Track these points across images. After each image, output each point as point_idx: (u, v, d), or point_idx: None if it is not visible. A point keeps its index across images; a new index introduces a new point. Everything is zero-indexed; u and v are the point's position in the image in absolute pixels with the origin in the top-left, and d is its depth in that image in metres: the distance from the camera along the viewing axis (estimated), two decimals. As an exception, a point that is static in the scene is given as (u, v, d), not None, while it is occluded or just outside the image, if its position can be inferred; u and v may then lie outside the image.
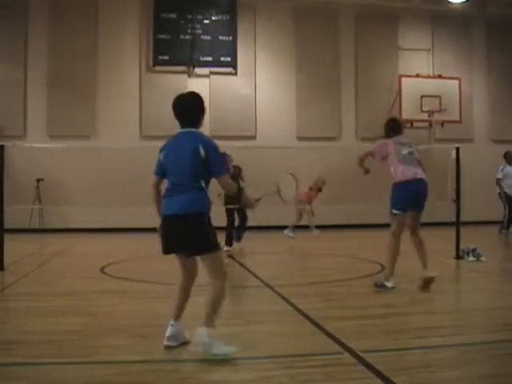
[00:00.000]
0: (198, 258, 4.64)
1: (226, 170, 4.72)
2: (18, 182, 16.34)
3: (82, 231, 16.71)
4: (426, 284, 6.77)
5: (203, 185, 4.55)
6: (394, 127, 7.69)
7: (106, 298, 6.93)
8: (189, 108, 4.70)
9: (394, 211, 7.11)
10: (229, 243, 11.80)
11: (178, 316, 4.71)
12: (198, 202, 4.51)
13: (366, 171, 8.00)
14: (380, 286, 7.06)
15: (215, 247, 4.54)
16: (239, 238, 12.41)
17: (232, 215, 12.06)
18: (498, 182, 15.76)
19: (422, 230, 6.99)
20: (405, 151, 7.23)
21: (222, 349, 4.35)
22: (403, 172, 7.05)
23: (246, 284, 7.97)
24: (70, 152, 16.52)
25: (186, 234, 4.47)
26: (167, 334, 4.64)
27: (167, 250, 4.65)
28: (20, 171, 16.47)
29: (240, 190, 5.00)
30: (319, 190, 15.55)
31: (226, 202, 11.56)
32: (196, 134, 4.64)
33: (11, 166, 15.67)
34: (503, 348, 4.59)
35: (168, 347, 4.61)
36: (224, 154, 11.49)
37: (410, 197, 7.01)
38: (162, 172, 4.74)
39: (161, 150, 4.80)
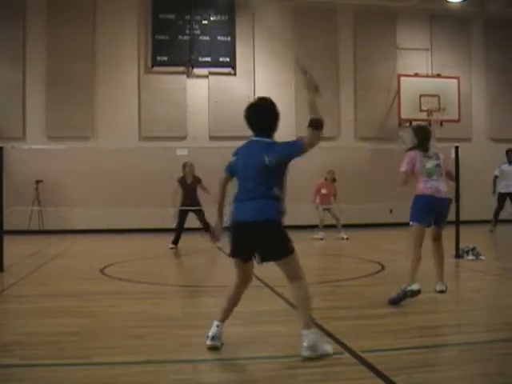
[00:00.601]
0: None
1: (300, 147, 4.72)
2: (17, 184, 16.34)
3: (82, 232, 16.72)
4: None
5: (276, 192, 4.50)
6: (427, 136, 7.03)
7: (105, 299, 6.92)
8: (258, 115, 4.79)
9: (411, 223, 6.79)
10: (175, 242, 12.66)
11: (224, 318, 4.68)
12: (268, 209, 4.45)
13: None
14: (402, 297, 6.24)
15: (291, 251, 4.59)
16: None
17: (184, 216, 12.68)
18: (495, 179, 15.85)
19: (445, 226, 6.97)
20: (430, 164, 6.79)
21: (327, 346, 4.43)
22: (424, 187, 6.73)
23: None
24: (68, 153, 16.52)
25: (261, 240, 4.45)
26: (211, 333, 4.56)
27: (236, 253, 4.59)
28: (19, 173, 16.47)
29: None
30: (333, 180, 15.58)
31: (182, 204, 12.61)
32: (263, 142, 4.64)
33: (10, 168, 15.66)
34: (503, 347, 4.58)
35: (213, 347, 4.53)
36: (187, 163, 12.79)
37: (427, 211, 6.72)
38: (231, 172, 4.72)
39: (233, 155, 4.79)
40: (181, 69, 18.65)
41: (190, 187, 12.81)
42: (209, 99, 18.70)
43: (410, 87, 19.04)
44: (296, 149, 4.64)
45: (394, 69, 19.82)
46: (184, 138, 17.97)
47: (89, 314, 5.95)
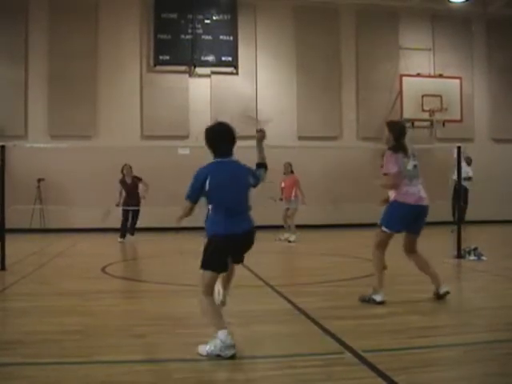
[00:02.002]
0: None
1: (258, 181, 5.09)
2: (18, 182, 16.36)
3: (83, 231, 16.71)
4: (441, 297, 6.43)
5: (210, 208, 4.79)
6: (405, 133, 6.70)
7: (106, 297, 6.93)
8: (232, 137, 5.10)
9: (384, 229, 6.46)
10: (122, 236, 14.37)
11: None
12: (251, 220, 4.91)
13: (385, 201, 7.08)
14: (367, 301, 6.33)
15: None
16: (132, 233, 14.65)
17: (127, 214, 14.47)
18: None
19: (422, 230, 6.69)
20: (410, 166, 6.39)
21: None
22: (407, 193, 6.34)
23: (247, 284, 7.95)
24: (70, 152, 16.52)
25: (248, 247, 4.95)
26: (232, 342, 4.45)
27: (220, 267, 4.80)
28: (21, 171, 16.50)
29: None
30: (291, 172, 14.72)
31: (124, 204, 14.36)
32: (239, 163, 5.10)
33: (12, 166, 15.70)
34: (504, 347, 4.58)
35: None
36: (125, 165, 14.44)
37: (406, 219, 6.38)
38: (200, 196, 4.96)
39: (205, 175, 4.85)
40: (183, 68, 18.64)
41: (130, 187, 14.45)
42: (211, 98, 18.69)
43: (412, 87, 19.02)
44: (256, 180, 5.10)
45: (396, 69, 19.80)
46: (186, 137, 17.95)
47: (90, 313, 5.95)
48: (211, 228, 4.73)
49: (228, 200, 4.75)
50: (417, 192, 6.37)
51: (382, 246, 6.53)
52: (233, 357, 4.31)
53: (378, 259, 6.53)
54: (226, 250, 4.70)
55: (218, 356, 4.31)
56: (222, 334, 4.35)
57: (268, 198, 14.09)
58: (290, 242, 13.93)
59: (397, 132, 6.59)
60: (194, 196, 4.74)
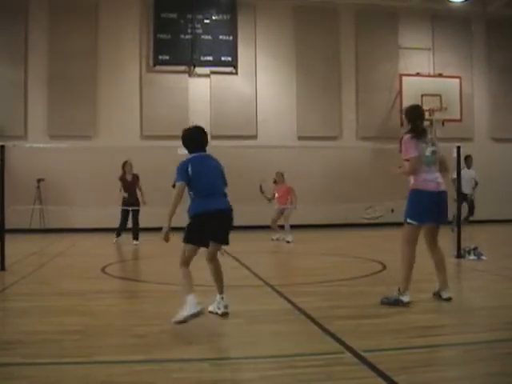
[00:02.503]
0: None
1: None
2: (18, 183, 16.36)
3: (83, 231, 16.72)
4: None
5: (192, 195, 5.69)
6: (421, 116, 6.53)
7: (106, 297, 6.93)
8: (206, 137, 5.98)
9: (409, 220, 6.26)
10: (118, 235, 14.04)
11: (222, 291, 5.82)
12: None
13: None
14: (392, 303, 6.13)
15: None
16: (137, 238, 13.92)
17: (127, 214, 14.03)
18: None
19: (422, 230, 6.62)
20: (428, 151, 6.24)
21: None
22: (425, 180, 6.19)
23: (247, 283, 7.96)
24: (70, 152, 16.53)
25: (226, 226, 5.76)
26: (226, 303, 5.75)
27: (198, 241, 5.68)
28: (21, 171, 16.50)
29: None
30: (274, 182, 14.74)
31: (124, 203, 13.97)
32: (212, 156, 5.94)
33: (12, 167, 15.69)
34: (504, 347, 4.58)
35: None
36: (126, 161, 14.09)
37: (430, 209, 6.19)
38: (188, 179, 5.69)
39: (187, 166, 5.70)
40: (183, 68, 18.66)
41: (130, 184, 14.06)
42: (210, 98, 18.70)
43: (411, 87, 19.02)
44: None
45: (396, 68, 19.82)
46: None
47: (90, 313, 5.95)
48: (192, 210, 5.61)
49: (205, 185, 5.63)
50: (434, 179, 6.24)
51: (410, 241, 6.26)
52: (202, 311, 5.21)
53: (408, 256, 6.24)
54: (203, 226, 5.56)
55: (194, 316, 5.13)
56: (189, 297, 5.22)
57: (264, 197, 14.11)
58: (288, 242, 13.87)
59: (410, 114, 6.43)
60: (180, 178, 5.55)
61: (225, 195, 5.77)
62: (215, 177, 5.75)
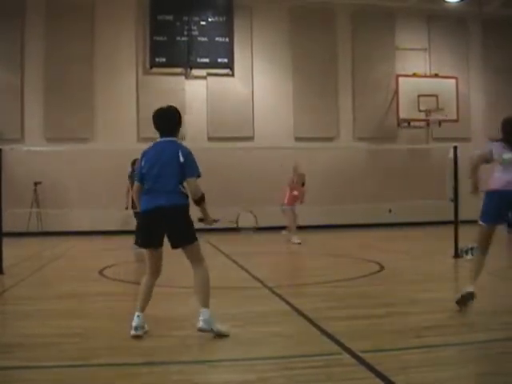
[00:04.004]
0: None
1: (198, 173, 5.11)
2: (16, 186, 16.34)
3: (81, 234, 16.71)
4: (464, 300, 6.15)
5: (182, 189, 5.07)
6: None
7: (105, 300, 6.93)
8: (169, 119, 5.48)
9: (480, 222, 6.23)
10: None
11: (144, 309, 5.18)
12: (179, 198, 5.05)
13: (475, 188, 6.63)
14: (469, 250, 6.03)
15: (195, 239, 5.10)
16: None
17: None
18: None
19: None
20: (507, 155, 6.23)
21: (222, 327, 4.96)
22: (497, 179, 6.17)
23: (244, 285, 7.97)
24: (67, 155, 16.52)
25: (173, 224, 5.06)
26: (135, 324, 5.03)
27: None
28: (18, 175, 16.49)
29: (203, 198, 5.14)
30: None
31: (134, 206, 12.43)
32: (175, 141, 5.33)
33: (9, 170, 15.63)
34: (502, 347, 4.59)
35: (137, 336, 4.97)
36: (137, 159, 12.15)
37: (498, 209, 6.11)
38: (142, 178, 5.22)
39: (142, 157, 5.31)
40: (179, 70, 18.65)
41: None
42: (207, 100, 18.71)
43: (408, 87, 19.06)
44: (190, 173, 5.13)
45: (393, 69, 19.86)
46: (182, 139, 17.92)
47: (88, 316, 5.96)
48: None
49: (151, 178, 5.10)
50: (507, 178, 6.11)
51: (481, 244, 6.25)
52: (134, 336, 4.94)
53: (474, 260, 6.21)
54: (147, 225, 5.08)
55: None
56: (136, 314, 5.04)
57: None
58: (299, 243, 13.47)
59: (508, 130, 6.59)
60: (136, 176, 5.29)
61: (174, 190, 5.02)
62: (163, 168, 5.07)
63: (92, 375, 4.07)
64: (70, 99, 17.76)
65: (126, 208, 13.09)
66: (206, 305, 4.98)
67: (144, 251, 5.22)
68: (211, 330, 4.93)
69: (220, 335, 4.93)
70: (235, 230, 14.59)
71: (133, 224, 14.96)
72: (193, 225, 5.12)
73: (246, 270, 9.28)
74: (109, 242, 14.10)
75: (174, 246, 5.09)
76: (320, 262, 11.16)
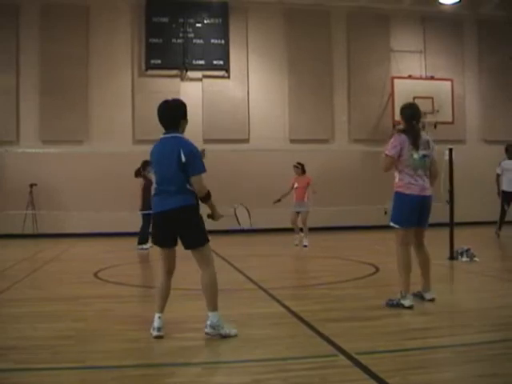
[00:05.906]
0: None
1: (202, 170, 5.02)
2: (11, 188, 16.35)
3: (76, 236, 16.68)
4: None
5: (189, 187, 4.99)
6: (416, 115, 6.30)
7: (99, 302, 6.91)
8: (172, 113, 5.11)
9: (392, 224, 6.28)
10: (144, 242, 13.05)
11: (163, 309, 5.19)
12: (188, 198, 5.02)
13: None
14: (395, 305, 6.13)
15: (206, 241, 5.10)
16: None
17: (149, 219, 12.50)
18: (498, 177, 15.01)
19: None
20: (417, 155, 6.15)
21: (231, 331, 5.00)
22: (409, 183, 6.19)
23: (239, 287, 7.96)
24: (63, 157, 16.49)
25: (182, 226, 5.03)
26: (157, 325, 5.05)
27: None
28: (13, 177, 16.48)
29: (209, 195, 5.09)
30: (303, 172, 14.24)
31: (143, 208, 12.97)
32: (178, 138, 5.08)
33: (4, 172, 15.69)
34: (498, 348, 4.60)
35: (160, 337, 5.00)
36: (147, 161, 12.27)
37: (411, 213, 6.19)
38: None
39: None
40: (174, 72, 18.63)
41: (149, 185, 12.75)
42: (203, 102, 18.69)
43: (403, 89, 19.04)
44: (194, 170, 5.03)
45: (388, 71, 19.87)
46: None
47: (83, 318, 5.94)
48: None
49: (158, 178, 5.12)
50: (421, 183, 6.19)
51: (403, 243, 6.25)
52: (157, 336, 4.98)
53: (402, 257, 6.21)
54: (159, 227, 5.12)
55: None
56: (156, 315, 5.06)
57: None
58: (305, 246, 13.31)
59: (407, 114, 6.29)
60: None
61: (181, 190, 4.96)
62: (169, 168, 4.98)
63: (86, 378, 4.05)
64: (66, 101, 17.71)
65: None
66: (213, 308, 5.01)
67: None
68: (218, 335, 4.96)
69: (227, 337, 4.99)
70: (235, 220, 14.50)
71: (130, 226, 15.15)
72: (203, 226, 5.09)
73: (242, 272, 9.28)
74: (104, 244, 14.07)
75: (186, 247, 5.12)
76: (315, 264, 11.17)
